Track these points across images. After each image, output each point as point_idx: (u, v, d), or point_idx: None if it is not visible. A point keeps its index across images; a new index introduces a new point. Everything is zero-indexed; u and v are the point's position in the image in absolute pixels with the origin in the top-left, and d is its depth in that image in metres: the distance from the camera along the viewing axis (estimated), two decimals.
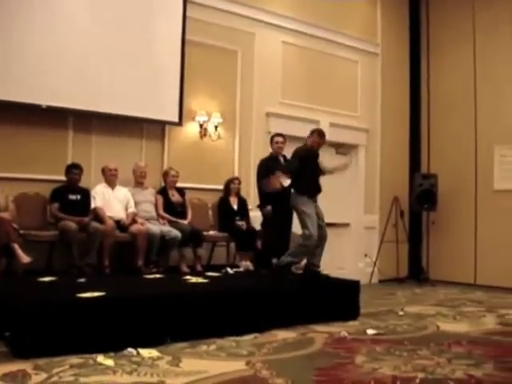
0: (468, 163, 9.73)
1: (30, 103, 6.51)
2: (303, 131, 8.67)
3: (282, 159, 7.13)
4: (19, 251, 5.71)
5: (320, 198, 6.58)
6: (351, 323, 5.79)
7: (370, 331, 5.36)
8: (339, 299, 6.01)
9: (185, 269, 6.81)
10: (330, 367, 4.09)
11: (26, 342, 4.13)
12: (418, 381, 3.77)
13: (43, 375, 3.69)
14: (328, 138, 9.08)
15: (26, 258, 5.71)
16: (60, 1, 6.79)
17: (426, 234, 10.30)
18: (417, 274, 9.99)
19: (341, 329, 5.41)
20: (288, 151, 6.98)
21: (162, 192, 7.24)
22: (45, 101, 6.59)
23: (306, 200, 6.34)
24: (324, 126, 9.04)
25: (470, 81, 9.80)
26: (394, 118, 10.28)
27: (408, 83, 10.56)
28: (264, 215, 7.03)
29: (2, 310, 4.55)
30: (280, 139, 7.15)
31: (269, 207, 6.84)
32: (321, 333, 5.26)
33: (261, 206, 7.08)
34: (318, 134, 6.62)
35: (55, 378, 3.63)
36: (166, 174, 7.33)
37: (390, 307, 6.94)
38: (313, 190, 6.47)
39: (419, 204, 9.76)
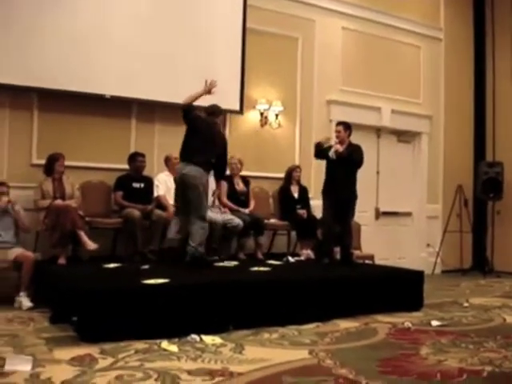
0: None
1: (95, 93, 6.66)
2: (365, 118, 8.64)
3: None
4: (85, 238, 5.85)
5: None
6: (415, 314, 5.70)
7: (434, 322, 5.25)
8: (403, 289, 5.92)
9: (242, 257, 6.88)
10: (393, 358, 4.03)
11: (93, 327, 4.23)
12: (485, 374, 3.67)
13: (109, 360, 3.76)
14: (389, 125, 9.08)
15: (92, 245, 5.85)
16: None
17: (491, 224, 9.98)
18: (481, 264, 9.73)
19: (404, 319, 5.33)
20: (353, 139, 6.78)
21: (228, 179, 7.19)
22: (109, 91, 6.72)
23: None
24: (386, 112, 8.98)
25: None
26: (458, 104, 10.01)
27: (472, 68, 10.25)
28: (338, 154, 6.48)
29: (69, 296, 4.67)
30: (337, 128, 6.87)
31: (338, 145, 6.47)
32: (384, 323, 5.20)
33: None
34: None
35: (121, 363, 3.70)
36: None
37: (455, 298, 6.80)
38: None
39: (484, 193, 9.50)
